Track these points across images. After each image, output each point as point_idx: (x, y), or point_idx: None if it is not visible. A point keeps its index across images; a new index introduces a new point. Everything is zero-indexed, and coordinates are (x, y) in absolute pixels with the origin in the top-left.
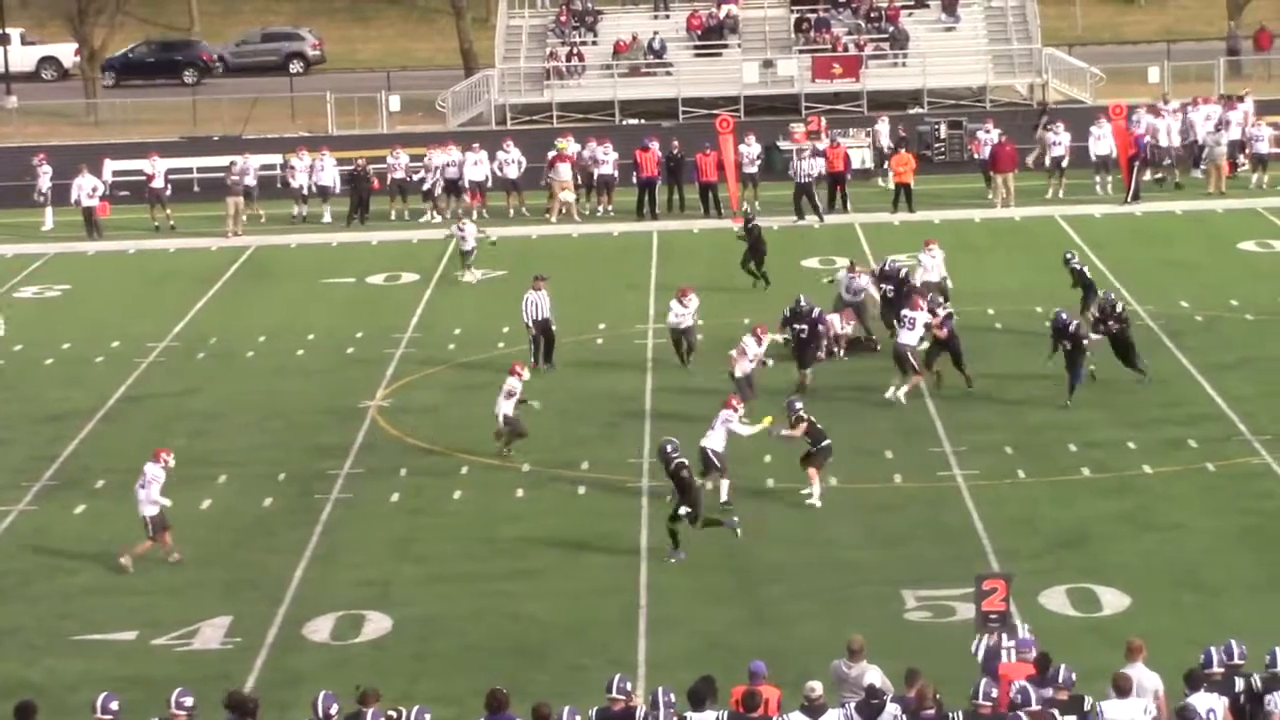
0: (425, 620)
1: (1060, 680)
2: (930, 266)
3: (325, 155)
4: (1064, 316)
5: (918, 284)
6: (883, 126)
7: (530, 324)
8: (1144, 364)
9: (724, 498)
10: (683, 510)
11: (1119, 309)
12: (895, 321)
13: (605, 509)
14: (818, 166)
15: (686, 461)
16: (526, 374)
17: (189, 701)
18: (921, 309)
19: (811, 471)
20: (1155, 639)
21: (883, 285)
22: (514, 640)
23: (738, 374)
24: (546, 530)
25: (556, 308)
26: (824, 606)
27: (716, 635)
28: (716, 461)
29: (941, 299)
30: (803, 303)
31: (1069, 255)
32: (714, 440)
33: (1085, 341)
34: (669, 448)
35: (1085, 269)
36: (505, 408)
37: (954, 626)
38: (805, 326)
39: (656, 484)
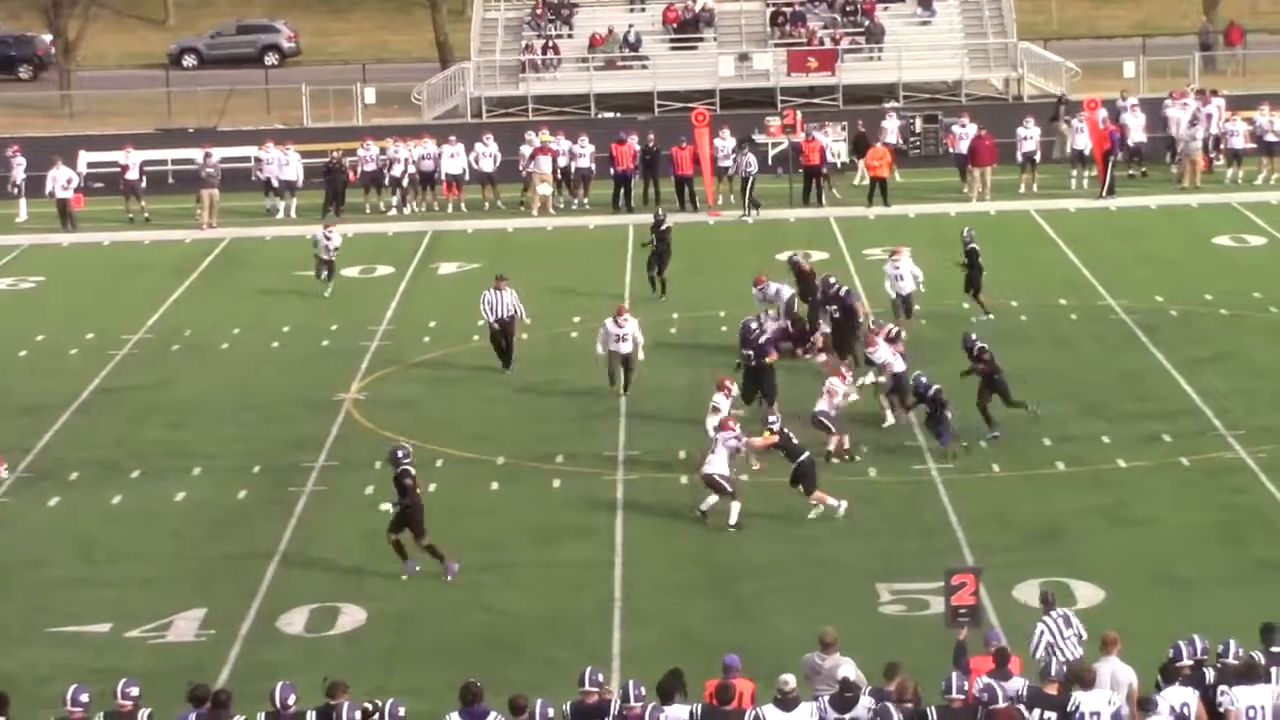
0: (400, 613)
1: (1052, 674)
2: (895, 276)
3: (289, 150)
4: (923, 380)
5: (891, 296)
6: (890, 124)
7: (494, 323)
8: (1024, 399)
9: (732, 520)
10: (386, 506)
11: (981, 349)
12: (867, 361)
13: (580, 502)
14: (755, 163)
15: (413, 470)
16: (735, 389)
17: (134, 691)
18: (877, 345)
19: (817, 495)
20: (1129, 633)
21: (828, 307)
22: (488, 633)
23: (822, 407)
24: (521, 523)
25: (527, 300)
26: (798, 600)
27: (691, 629)
28: (726, 486)
29: (904, 315)
30: (754, 325)
31: (967, 233)
32: (717, 465)
33: (944, 404)
34: (399, 453)
35: (979, 252)
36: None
37: (928, 620)
38: (752, 353)
39: (632, 477)
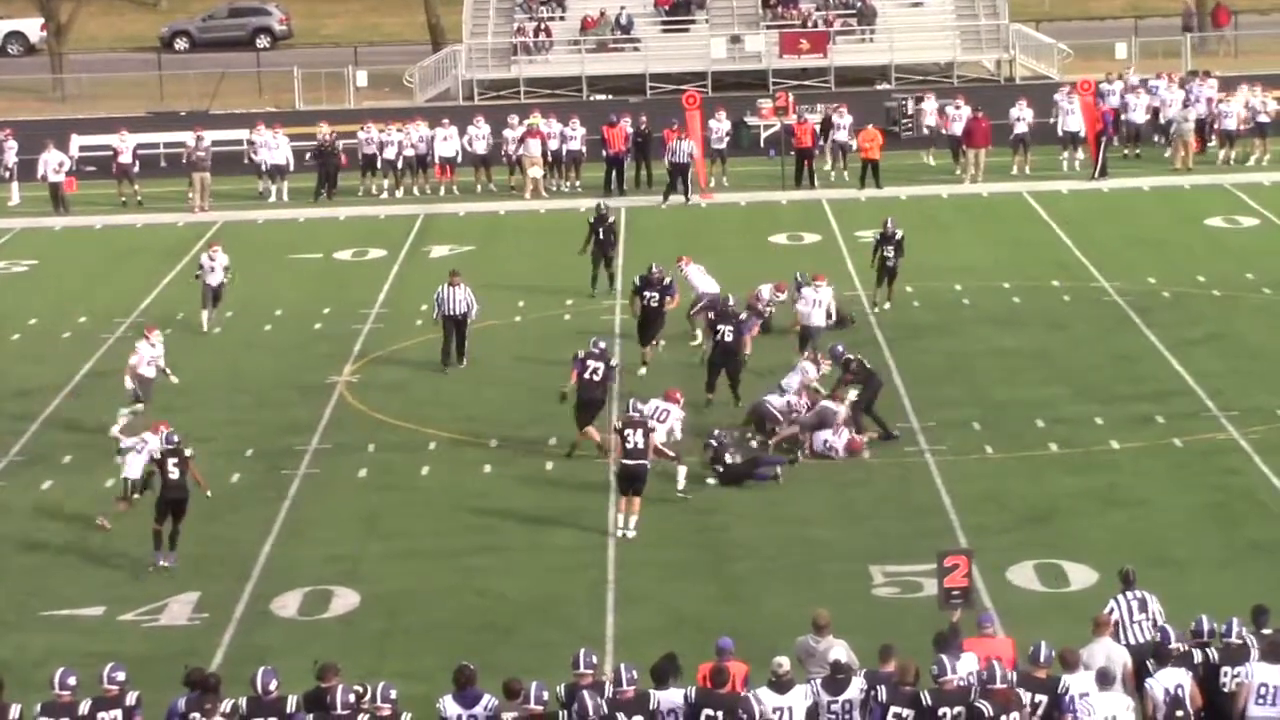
0: (393, 596)
1: (1042, 659)
2: (813, 301)
3: (279, 133)
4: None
5: (799, 325)
6: (929, 105)
7: (437, 319)
8: (883, 421)
9: (680, 485)
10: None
11: (848, 360)
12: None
13: (573, 484)
14: (691, 148)
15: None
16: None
17: (121, 676)
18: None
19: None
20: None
21: (719, 327)
22: (482, 616)
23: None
24: (514, 506)
25: (521, 282)
26: (792, 582)
27: (685, 611)
28: (668, 452)
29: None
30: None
31: (892, 223)
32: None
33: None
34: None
35: (902, 243)
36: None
37: (921, 602)
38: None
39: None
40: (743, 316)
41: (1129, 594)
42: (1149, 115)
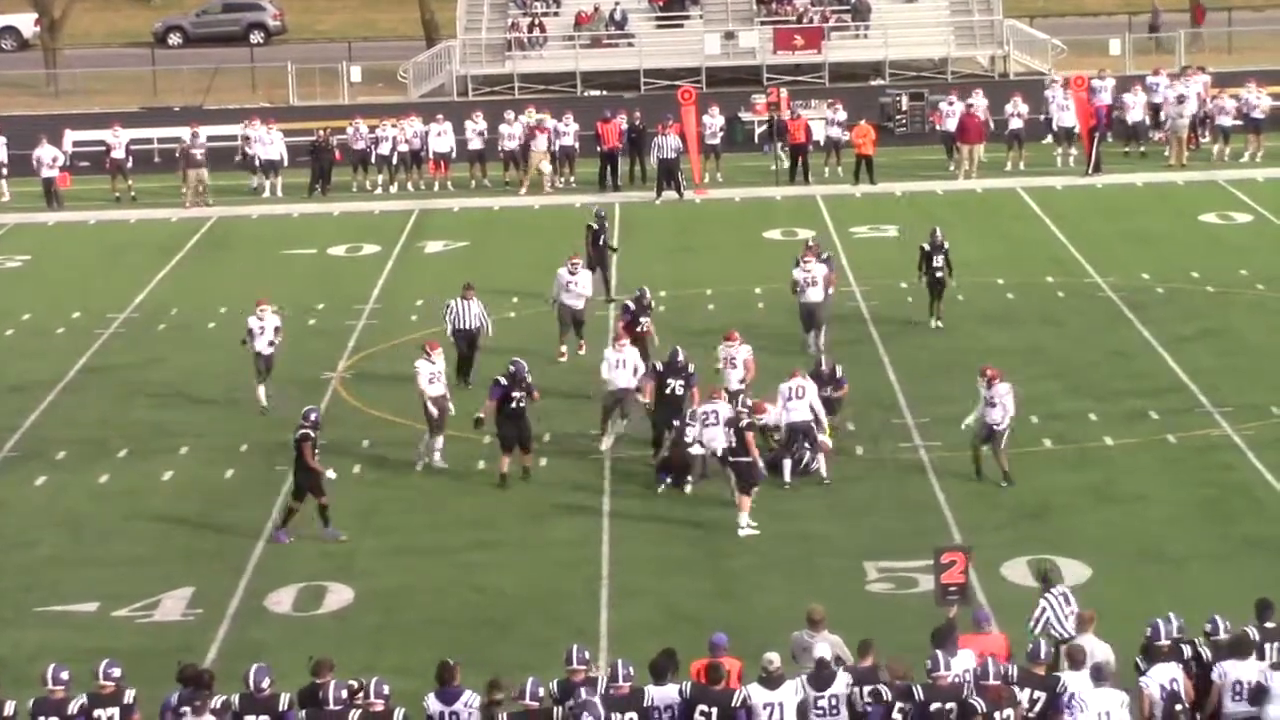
0: (388, 592)
1: (1042, 656)
2: (704, 417)
3: (273, 129)
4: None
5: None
6: (978, 102)
7: (451, 335)
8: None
9: (824, 474)
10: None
11: (837, 371)
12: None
13: (568, 480)
14: (676, 144)
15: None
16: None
17: (116, 673)
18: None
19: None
20: (1116, 610)
21: (668, 381)
22: (477, 612)
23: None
24: (509, 502)
25: (514, 278)
26: (786, 578)
27: (679, 606)
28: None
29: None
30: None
31: (936, 233)
32: (800, 412)
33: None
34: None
35: (949, 254)
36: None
37: (915, 598)
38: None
39: (619, 456)
40: (690, 369)
41: (1054, 591)
42: (1148, 112)
